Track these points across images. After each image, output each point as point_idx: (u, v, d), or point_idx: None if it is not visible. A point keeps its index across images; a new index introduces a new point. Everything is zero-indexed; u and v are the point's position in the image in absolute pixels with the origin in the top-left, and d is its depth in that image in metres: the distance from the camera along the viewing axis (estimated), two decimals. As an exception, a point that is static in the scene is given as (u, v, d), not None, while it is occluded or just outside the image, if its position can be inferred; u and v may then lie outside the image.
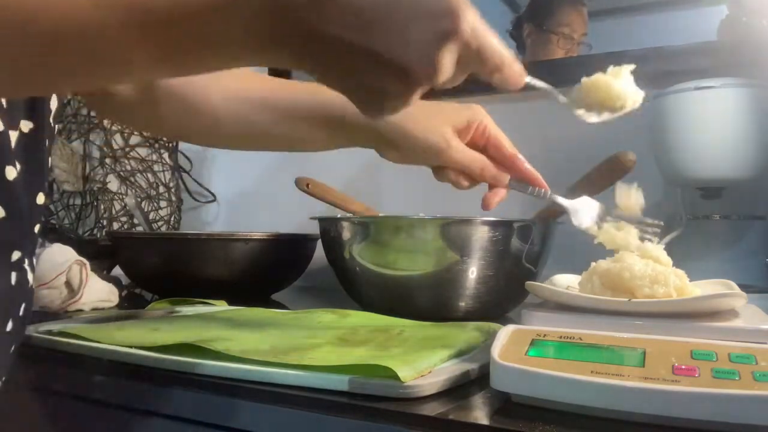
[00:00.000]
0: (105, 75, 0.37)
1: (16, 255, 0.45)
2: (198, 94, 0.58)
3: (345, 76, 0.35)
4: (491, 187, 0.60)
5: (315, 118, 0.59)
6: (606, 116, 0.52)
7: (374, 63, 0.34)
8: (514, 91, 0.43)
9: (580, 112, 0.52)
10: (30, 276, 0.48)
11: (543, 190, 0.60)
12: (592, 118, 0.52)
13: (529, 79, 0.45)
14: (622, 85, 0.50)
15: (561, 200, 0.59)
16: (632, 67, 0.51)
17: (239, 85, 0.59)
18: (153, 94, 0.57)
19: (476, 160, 0.58)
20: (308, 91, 0.60)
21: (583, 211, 0.59)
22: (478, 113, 0.59)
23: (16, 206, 0.45)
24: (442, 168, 0.59)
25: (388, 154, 0.60)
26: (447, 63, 0.35)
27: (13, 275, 0.45)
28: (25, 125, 0.46)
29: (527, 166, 0.60)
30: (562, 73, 1.02)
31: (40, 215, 0.49)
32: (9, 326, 0.45)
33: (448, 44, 0.34)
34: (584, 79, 0.51)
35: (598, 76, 0.51)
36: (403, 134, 0.56)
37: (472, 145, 0.59)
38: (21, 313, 0.47)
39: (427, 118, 0.56)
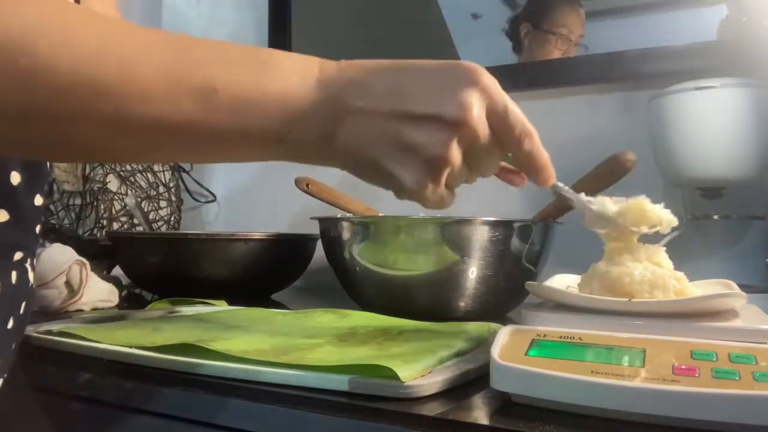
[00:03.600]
0: (159, 154, 0.40)
1: (17, 255, 0.46)
2: None
3: (379, 148, 0.37)
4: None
5: None
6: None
7: (407, 123, 0.36)
8: (542, 185, 0.44)
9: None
10: (30, 275, 0.48)
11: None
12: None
13: (560, 185, 0.47)
14: (657, 210, 0.52)
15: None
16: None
17: None
18: None
19: None
20: None
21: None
22: None
23: (19, 209, 0.45)
24: None
25: None
26: (476, 105, 0.36)
27: (14, 274, 0.46)
28: None
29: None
30: (560, 74, 1.03)
31: (40, 216, 0.49)
32: (10, 324, 0.46)
33: (473, 89, 0.36)
34: (621, 205, 0.53)
35: (632, 203, 0.52)
36: None
37: None
38: (22, 311, 0.47)
39: None
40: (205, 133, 0.35)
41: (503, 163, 0.48)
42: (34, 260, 0.50)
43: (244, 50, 0.36)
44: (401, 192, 0.39)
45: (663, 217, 0.53)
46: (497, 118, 0.38)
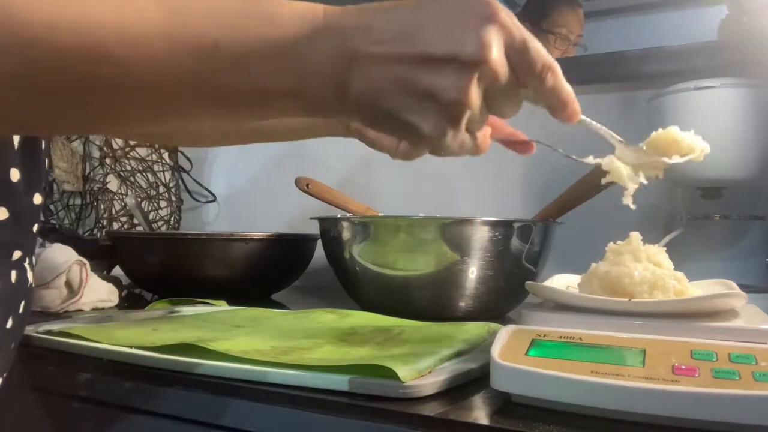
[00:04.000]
0: (165, 119, 0.37)
1: (17, 254, 0.46)
2: None
3: (394, 97, 0.34)
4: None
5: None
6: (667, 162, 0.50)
7: (422, 66, 0.33)
8: (568, 121, 0.41)
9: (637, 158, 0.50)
10: (29, 274, 0.48)
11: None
12: (661, 162, 0.50)
13: (587, 120, 0.43)
14: (688, 137, 0.50)
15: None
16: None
17: None
18: None
19: None
20: None
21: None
22: None
23: (18, 208, 0.45)
24: None
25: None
26: (494, 42, 0.34)
27: (13, 273, 0.46)
28: None
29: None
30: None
31: (39, 215, 0.50)
32: (9, 323, 0.46)
33: (490, 25, 0.34)
34: (654, 134, 0.50)
35: (661, 133, 0.50)
36: None
37: None
38: (21, 310, 0.47)
39: None
40: (209, 92, 0.33)
41: (510, 130, 0.47)
42: (33, 260, 0.50)
43: (245, 2, 0.33)
44: (420, 142, 0.36)
45: (695, 144, 0.50)
46: (517, 54, 0.35)
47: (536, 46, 0.36)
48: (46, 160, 0.49)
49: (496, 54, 0.34)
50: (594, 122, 0.46)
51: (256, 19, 0.32)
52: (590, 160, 0.51)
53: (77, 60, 0.30)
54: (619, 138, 0.49)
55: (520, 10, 1.09)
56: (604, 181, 0.52)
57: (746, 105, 0.76)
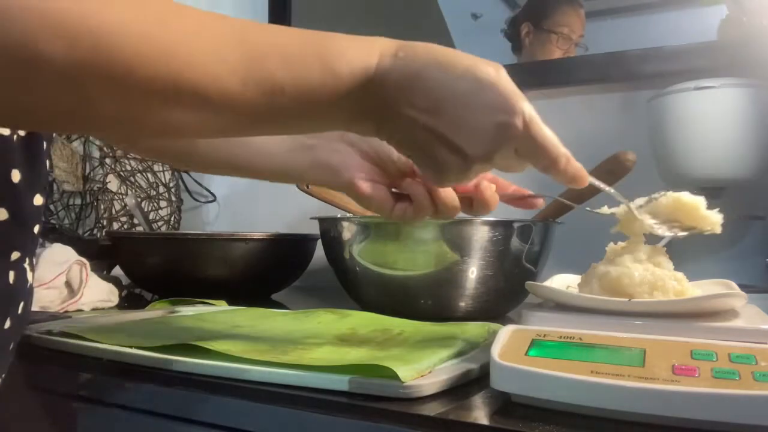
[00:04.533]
0: (212, 132, 0.40)
1: (15, 255, 0.46)
2: None
3: (414, 147, 0.41)
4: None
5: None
6: (677, 233, 0.52)
7: (438, 141, 0.39)
8: (577, 188, 0.45)
9: (648, 220, 0.53)
10: (29, 275, 0.48)
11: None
12: (664, 232, 0.52)
13: (592, 180, 0.46)
14: (707, 210, 0.52)
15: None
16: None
17: None
18: None
19: None
20: None
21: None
22: None
23: (18, 208, 0.45)
24: None
25: None
26: (499, 154, 0.40)
27: (11, 274, 0.46)
28: None
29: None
30: (560, 74, 1.03)
31: (40, 216, 0.49)
32: (7, 324, 0.46)
33: (502, 137, 0.39)
34: (669, 193, 0.52)
35: (682, 196, 0.52)
36: None
37: None
38: (19, 311, 0.47)
39: None
40: (270, 123, 0.39)
41: (514, 188, 0.53)
42: (34, 260, 0.50)
43: (313, 50, 0.37)
44: (439, 171, 0.42)
45: (708, 216, 0.51)
46: (527, 150, 0.41)
47: (545, 144, 0.41)
48: (48, 162, 0.49)
49: (497, 157, 0.40)
50: (602, 184, 0.49)
51: (320, 72, 0.37)
52: (605, 210, 0.54)
53: (157, 91, 0.33)
54: (626, 200, 0.53)
55: (521, 10, 1.09)
56: (613, 230, 0.57)
57: (746, 105, 0.76)
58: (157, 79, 0.32)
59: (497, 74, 0.39)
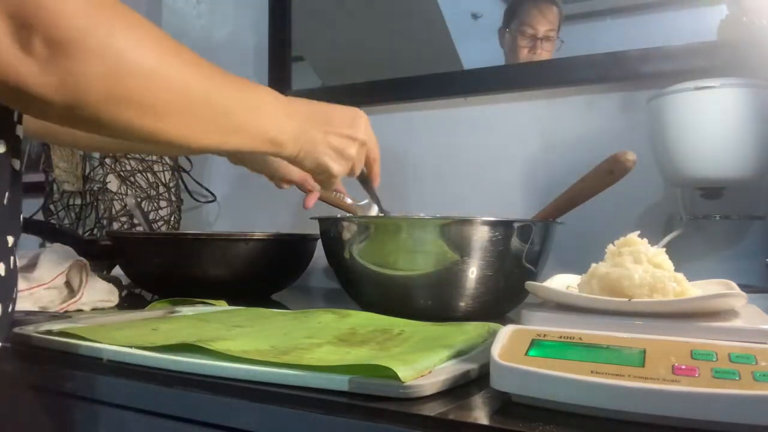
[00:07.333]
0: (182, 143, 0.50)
1: (11, 241, 0.47)
2: None
3: (317, 155, 0.64)
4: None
5: None
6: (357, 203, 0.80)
7: (337, 136, 0.64)
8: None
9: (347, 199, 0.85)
10: (17, 260, 0.51)
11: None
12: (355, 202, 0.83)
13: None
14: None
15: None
16: None
17: None
18: None
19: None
20: None
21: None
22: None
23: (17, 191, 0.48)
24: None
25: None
26: (369, 133, 0.69)
27: (11, 259, 0.48)
28: None
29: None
30: (560, 74, 1.03)
31: (20, 183, 0.51)
32: (10, 308, 0.48)
33: (365, 125, 0.68)
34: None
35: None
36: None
37: None
38: (14, 295, 0.49)
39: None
40: (217, 134, 0.52)
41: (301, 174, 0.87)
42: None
43: (245, 94, 0.54)
44: (329, 178, 0.67)
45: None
46: (371, 141, 0.70)
47: (374, 144, 0.71)
48: (19, 126, 0.49)
49: (369, 137, 0.69)
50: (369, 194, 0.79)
51: (247, 110, 0.54)
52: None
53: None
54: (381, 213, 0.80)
55: (502, 21, 1.10)
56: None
57: (746, 105, 0.76)
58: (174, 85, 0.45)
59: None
